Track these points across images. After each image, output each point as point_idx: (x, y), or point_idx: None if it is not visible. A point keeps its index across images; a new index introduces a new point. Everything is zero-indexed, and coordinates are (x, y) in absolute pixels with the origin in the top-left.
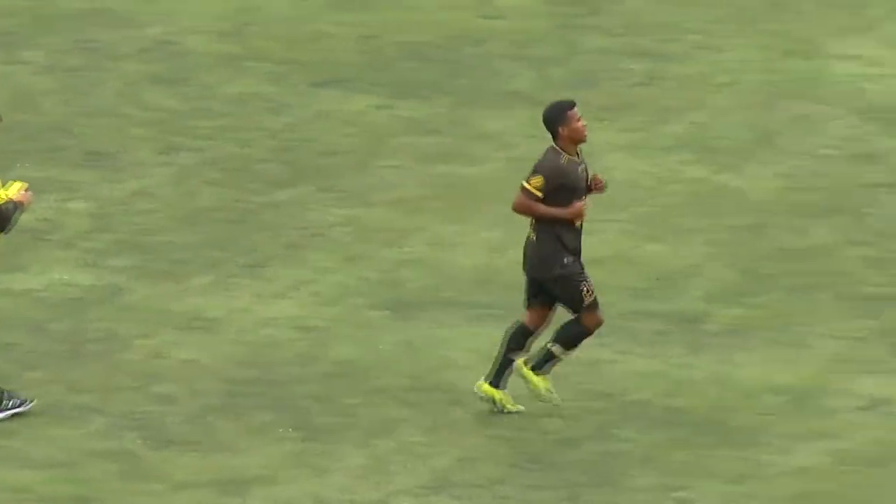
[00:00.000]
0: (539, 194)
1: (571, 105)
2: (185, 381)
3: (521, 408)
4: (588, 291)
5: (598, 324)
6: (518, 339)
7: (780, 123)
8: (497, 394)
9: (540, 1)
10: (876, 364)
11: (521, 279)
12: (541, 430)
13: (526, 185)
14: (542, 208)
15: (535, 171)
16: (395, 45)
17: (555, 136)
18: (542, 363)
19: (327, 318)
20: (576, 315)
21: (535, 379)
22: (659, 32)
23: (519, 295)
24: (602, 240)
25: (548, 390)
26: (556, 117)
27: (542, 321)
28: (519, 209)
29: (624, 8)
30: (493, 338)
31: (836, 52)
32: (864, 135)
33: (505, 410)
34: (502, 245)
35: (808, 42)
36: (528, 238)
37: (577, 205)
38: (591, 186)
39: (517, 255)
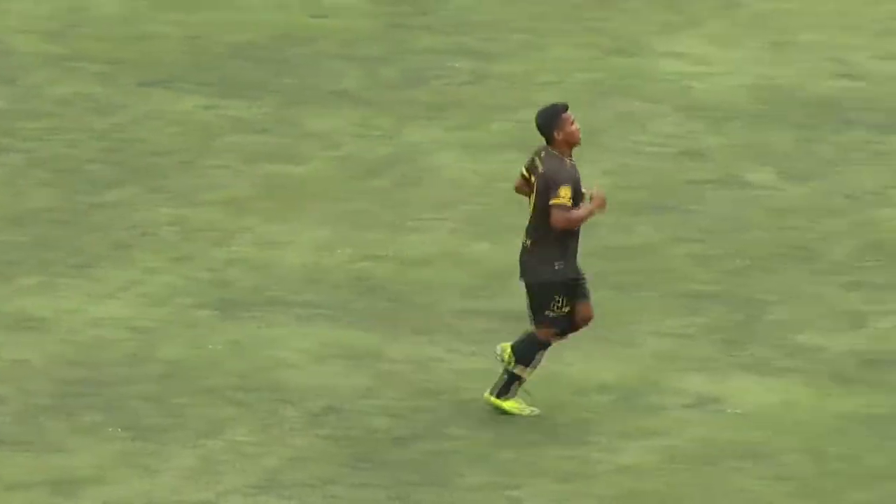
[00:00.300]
0: (570, 203)
1: (565, 108)
2: (15, 381)
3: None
4: (558, 307)
5: (548, 337)
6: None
7: (605, 121)
8: (511, 358)
9: (368, 0)
10: (703, 362)
11: (349, 277)
12: (371, 429)
13: (558, 201)
14: (580, 214)
15: (558, 184)
16: (223, 45)
17: (549, 140)
18: (507, 388)
19: (156, 319)
20: (532, 326)
21: (506, 405)
22: (485, 31)
23: (348, 293)
24: (430, 238)
25: (520, 409)
26: (551, 121)
27: (581, 318)
28: (565, 226)
29: (451, 6)
30: (322, 336)
31: (662, 50)
32: (690, 132)
33: (505, 363)
34: (330, 244)
35: (633, 40)
36: (523, 246)
37: (599, 194)
38: None
39: (345, 253)
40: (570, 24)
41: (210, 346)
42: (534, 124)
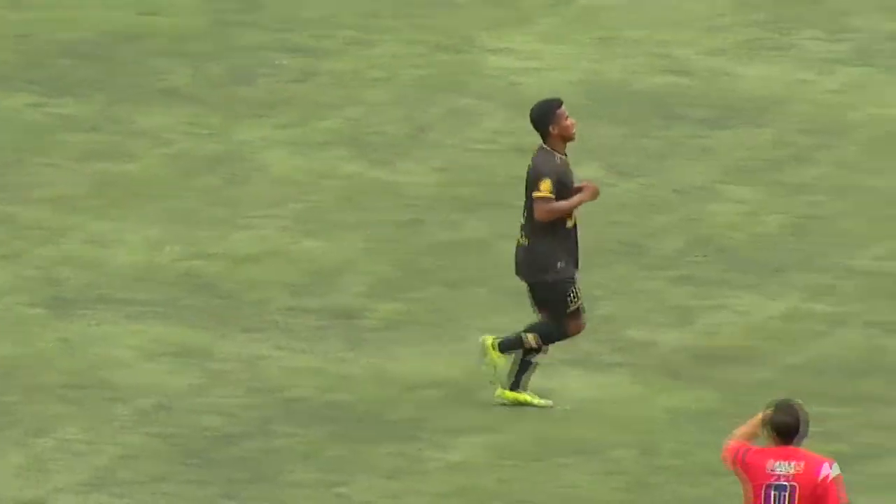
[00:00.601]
0: (553, 196)
1: (559, 103)
2: None
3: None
4: (574, 298)
5: (579, 330)
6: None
7: (434, 118)
8: (520, 396)
9: None
10: None
11: (179, 275)
12: (201, 427)
13: (540, 194)
14: (562, 204)
15: (541, 177)
16: (51, 43)
17: (545, 136)
18: (509, 347)
19: None
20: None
21: (496, 356)
22: (313, 28)
23: (178, 291)
24: (259, 236)
25: (498, 369)
26: (546, 117)
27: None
28: (546, 217)
29: (278, 3)
30: (153, 334)
31: (490, 46)
32: (518, 128)
33: (536, 405)
34: (161, 241)
35: (462, 36)
36: (518, 244)
37: (589, 186)
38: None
39: (175, 251)
40: (399, 21)
41: (40, 344)
42: (362, 121)
